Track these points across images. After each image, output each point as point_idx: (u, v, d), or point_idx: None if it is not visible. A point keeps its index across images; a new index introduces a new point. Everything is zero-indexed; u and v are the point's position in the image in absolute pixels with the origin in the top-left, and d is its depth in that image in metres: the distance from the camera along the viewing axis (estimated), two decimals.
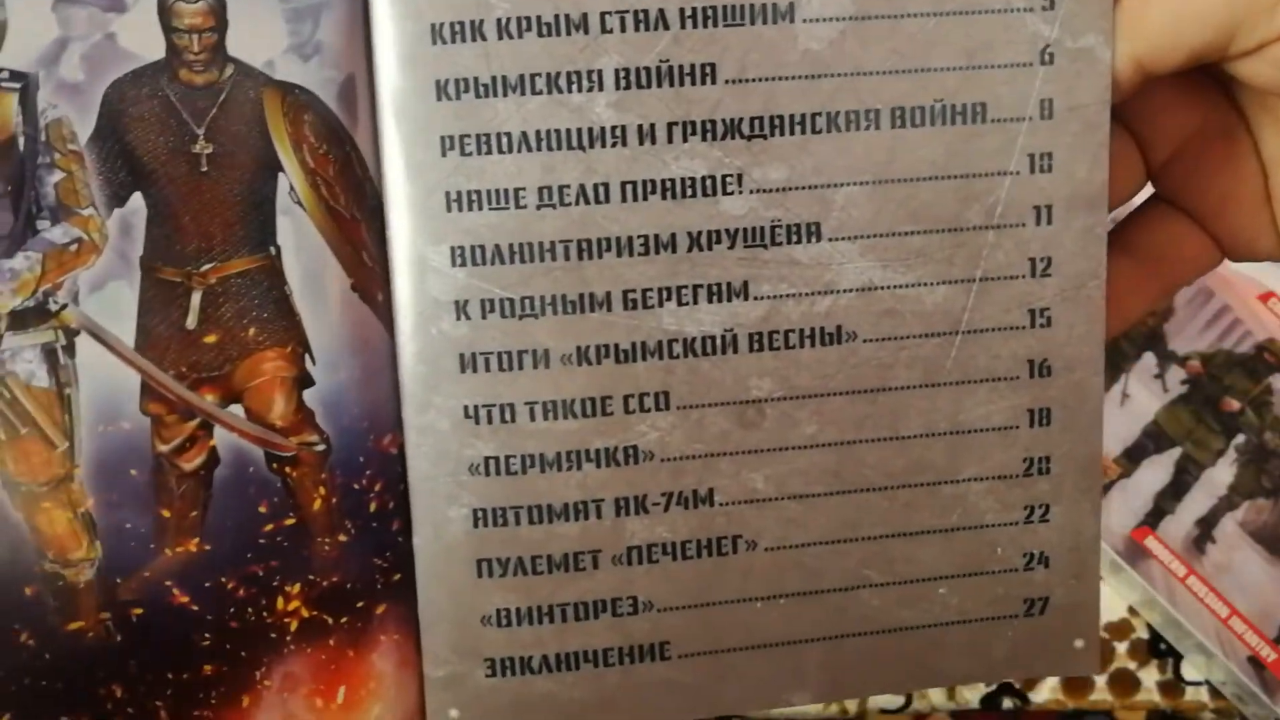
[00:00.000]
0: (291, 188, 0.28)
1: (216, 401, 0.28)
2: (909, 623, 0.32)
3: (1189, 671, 0.57)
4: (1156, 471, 0.55)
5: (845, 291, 0.30)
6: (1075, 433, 0.31)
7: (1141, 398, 0.56)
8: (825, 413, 0.30)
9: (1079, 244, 0.30)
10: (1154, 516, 0.55)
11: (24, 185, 0.26)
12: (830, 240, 0.29)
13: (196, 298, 0.27)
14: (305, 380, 0.29)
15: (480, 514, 0.30)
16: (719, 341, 0.30)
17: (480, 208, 0.28)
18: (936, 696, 0.57)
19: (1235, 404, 0.57)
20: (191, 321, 0.27)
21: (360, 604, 0.29)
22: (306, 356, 0.28)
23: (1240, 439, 0.56)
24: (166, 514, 0.28)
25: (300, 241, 0.28)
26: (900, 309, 0.30)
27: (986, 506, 0.31)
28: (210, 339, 0.28)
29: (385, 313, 0.29)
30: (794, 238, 0.29)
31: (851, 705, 0.57)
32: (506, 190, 0.28)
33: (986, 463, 0.31)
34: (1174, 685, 0.57)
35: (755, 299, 0.29)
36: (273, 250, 0.28)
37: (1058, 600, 0.32)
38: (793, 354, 0.30)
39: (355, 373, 0.29)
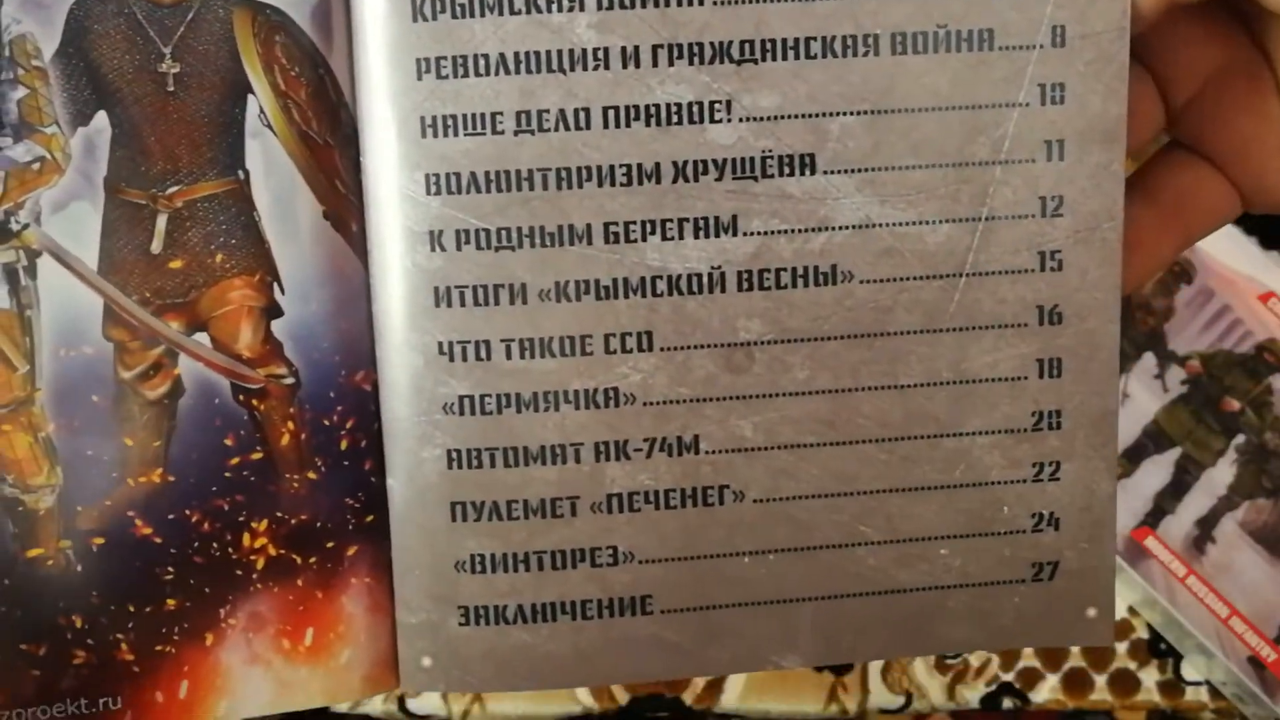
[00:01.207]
0: (261, 110, 0.27)
1: (181, 329, 0.27)
2: (907, 584, 0.30)
3: (1189, 671, 0.58)
4: (1156, 471, 0.55)
5: (841, 228, 0.28)
6: (1088, 385, 0.29)
7: (1141, 398, 0.56)
8: (819, 358, 0.29)
9: (1093, 182, 0.28)
10: (1154, 516, 0.55)
11: None
12: (825, 173, 0.28)
13: (162, 221, 0.27)
14: (274, 310, 0.28)
15: (455, 455, 0.29)
16: (706, 279, 0.28)
17: (456, 133, 0.28)
18: (936, 696, 0.58)
19: (1235, 404, 0.57)
20: (156, 246, 0.27)
21: (330, 544, 0.29)
22: (275, 286, 0.28)
23: (1240, 439, 0.57)
24: (129, 442, 0.27)
25: (270, 166, 0.27)
26: (900, 248, 0.28)
27: (992, 462, 0.30)
28: (175, 264, 0.27)
29: (359, 243, 0.28)
30: (786, 170, 0.28)
31: (851, 705, 0.58)
32: (483, 115, 0.27)
33: (992, 415, 0.29)
34: (1174, 685, 0.58)
35: (745, 234, 0.28)
36: (241, 174, 0.27)
37: (1068, 565, 0.30)
38: (784, 294, 0.28)
39: (327, 304, 0.28)
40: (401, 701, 0.58)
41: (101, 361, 0.27)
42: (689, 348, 0.29)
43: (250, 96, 0.28)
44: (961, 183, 0.29)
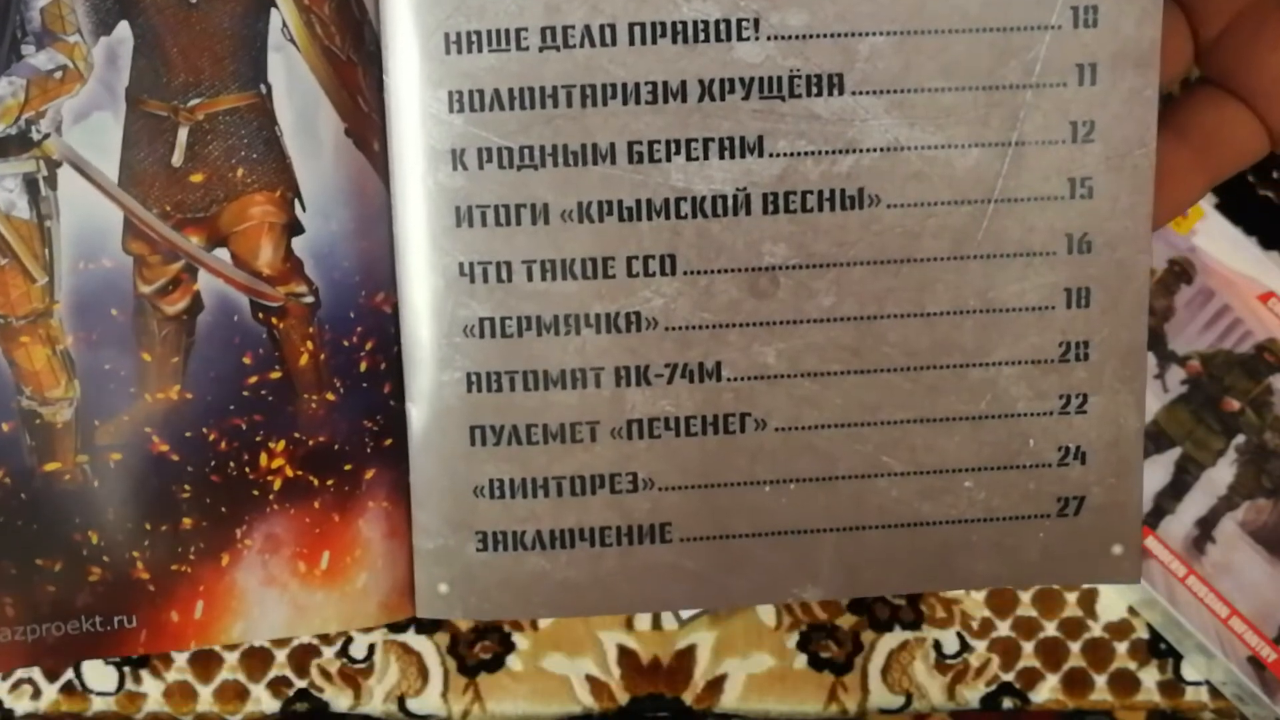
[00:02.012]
0: (285, 24, 0.27)
1: (202, 244, 0.27)
2: (930, 517, 0.30)
3: (1189, 671, 0.58)
4: (1156, 471, 0.55)
5: (869, 151, 0.28)
6: (1117, 316, 0.29)
7: None
8: (844, 284, 0.29)
9: (1125, 107, 0.28)
10: (1154, 516, 0.55)
11: (9, 9, 0.26)
12: (853, 94, 0.28)
13: (183, 133, 0.27)
14: (295, 228, 0.28)
15: (474, 378, 0.29)
16: (730, 201, 0.28)
17: (480, 49, 0.27)
18: (936, 696, 0.58)
19: (1235, 404, 0.57)
20: (177, 158, 0.27)
21: (348, 467, 0.29)
22: (296, 202, 0.28)
23: (1240, 439, 0.57)
24: (147, 358, 0.27)
25: (293, 81, 0.27)
26: (928, 172, 0.28)
27: (1018, 393, 0.29)
28: (196, 178, 0.27)
29: (380, 162, 0.28)
30: (814, 90, 0.28)
31: (851, 705, 0.58)
32: (508, 31, 0.27)
33: (1019, 345, 0.29)
34: (1174, 685, 0.58)
35: (771, 156, 0.28)
36: (263, 89, 0.27)
37: (1095, 500, 0.30)
38: (810, 217, 0.28)
39: (348, 223, 0.28)
40: (401, 701, 0.57)
41: (121, 275, 0.27)
42: (712, 272, 0.29)
43: (273, 10, 0.28)
44: (991, 106, 0.28)
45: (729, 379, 0.29)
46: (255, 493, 0.29)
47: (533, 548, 0.30)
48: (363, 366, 0.29)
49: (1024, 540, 0.31)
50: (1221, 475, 0.56)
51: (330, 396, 0.29)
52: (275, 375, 0.28)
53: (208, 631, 0.29)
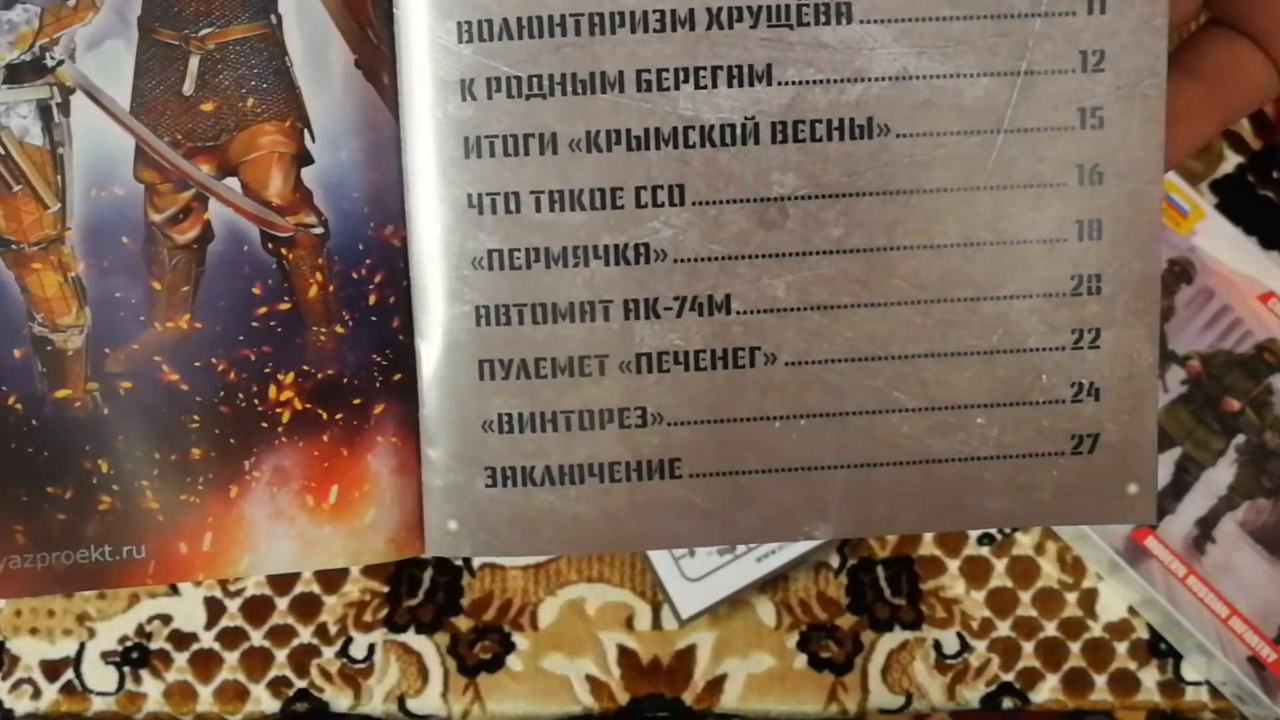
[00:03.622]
0: None
1: (212, 173, 0.28)
2: (942, 454, 0.30)
3: (1189, 671, 0.59)
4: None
5: (877, 80, 0.28)
6: (1129, 249, 0.29)
7: None
8: (854, 214, 0.29)
9: (1135, 36, 0.28)
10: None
11: None
12: (861, 22, 0.28)
13: (194, 62, 0.27)
14: (304, 158, 0.28)
15: (483, 311, 0.29)
16: (739, 130, 0.28)
17: None
18: (936, 696, 0.59)
19: (1235, 404, 0.59)
20: (189, 87, 0.27)
21: (357, 401, 0.29)
22: (306, 133, 0.28)
23: (1240, 439, 0.58)
24: (157, 286, 0.28)
25: (302, 12, 0.28)
26: (937, 101, 0.28)
27: (1030, 328, 0.30)
28: (207, 107, 0.28)
29: (390, 94, 0.28)
30: (822, 18, 0.28)
31: (851, 705, 0.59)
32: None
33: (1030, 278, 0.29)
34: (1174, 685, 0.59)
35: (779, 84, 0.28)
36: (273, 19, 0.28)
37: (1109, 438, 0.30)
38: (819, 147, 0.28)
39: (357, 154, 0.28)
40: (401, 701, 0.58)
41: (132, 203, 0.28)
42: (721, 202, 0.29)
43: None
44: (1000, 35, 0.29)
45: (739, 312, 0.30)
46: (264, 424, 0.29)
47: (541, 483, 0.30)
48: (372, 299, 0.29)
49: (1038, 478, 0.31)
50: (1221, 475, 0.57)
51: (339, 329, 0.29)
52: (284, 306, 0.29)
53: (215, 563, 0.29)
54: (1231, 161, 0.64)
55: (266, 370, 0.29)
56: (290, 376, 0.29)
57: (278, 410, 0.29)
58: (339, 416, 0.30)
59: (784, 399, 0.30)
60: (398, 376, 0.30)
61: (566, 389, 0.30)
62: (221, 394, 0.29)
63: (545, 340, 0.30)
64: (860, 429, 0.30)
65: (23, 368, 0.28)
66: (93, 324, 0.28)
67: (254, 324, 0.29)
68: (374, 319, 0.30)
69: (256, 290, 0.29)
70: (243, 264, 0.29)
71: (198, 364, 0.29)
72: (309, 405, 0.29)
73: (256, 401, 0.29)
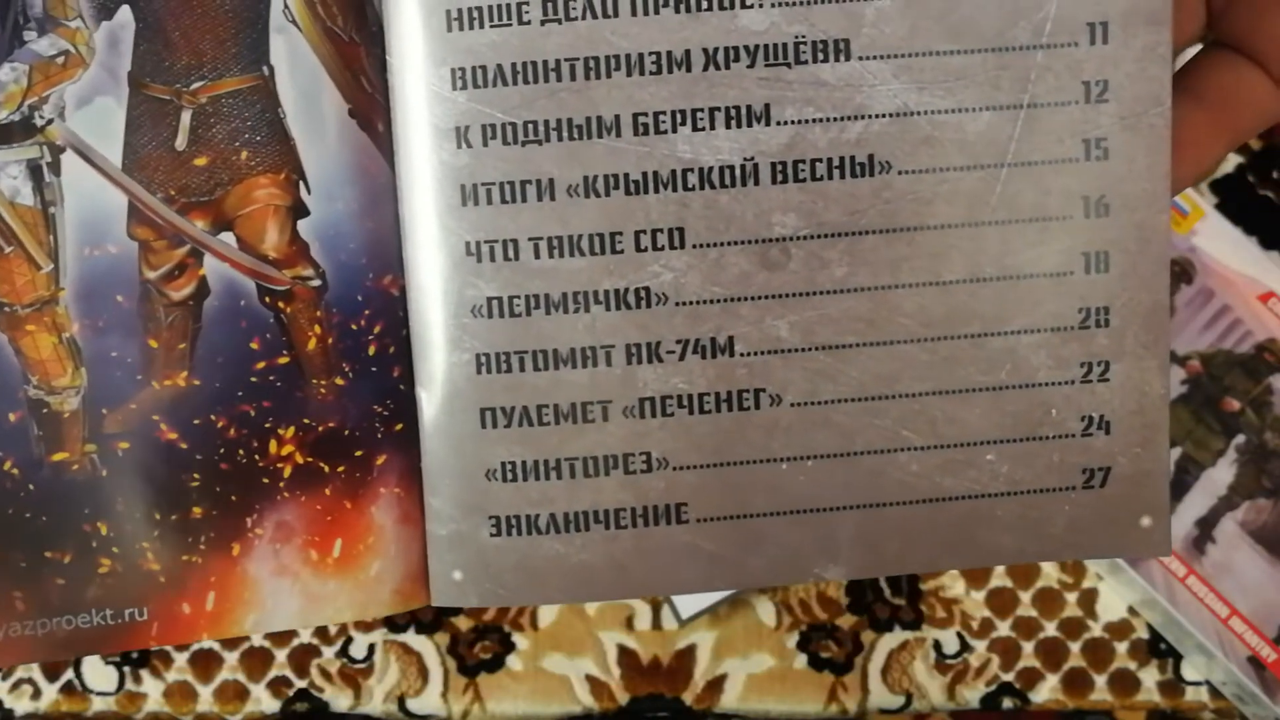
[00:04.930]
0: (286, 5, 0.28)
1: (206, 228, 0.28)
2: (953, 492, 0.30)
3: (1189, 671, 0.60)
4: None
5: (878, 117, 0.28)
6: (1137, 280, 0.29)
7: None
8: (857, 253, 0.29)
9: (1139, 66, 0.28)
10: None
11: None
12: (860, 59, 0.28)
13: (186, 116, 0.27)
14: (300, 210, 0.28)
15: (484, 359, 0.29)
16: (738, 171, 0.28)
17: (482, 25, 0.28)
18: (936, 696, 0.60)
19: (1235, 404, 0.59)
20: (181, 142, 0.27)
21: (359, 453, 0.29)
22: (301, 184, 0.28)
23: (1240, 439, 0.59)
24: (154, 344, 0.28)
25: (295, 62, 0.28)
26: (939, 137, 0.28)
27: (1039, 362, 0.29)
28: (200, 161, 0.27)
29: (385, 143, 0.28)
30: (820, 56, 0.28)
31: (851, 705, 0.60)
32: (509, 5, 0.28)
33: (1038, 312, 0.29)
34: (1174, 685, 0.60)
35: (778, 124, 0.28)
36: (266, 70, 0.28)
37: (1121, 470, 0.30)
38: (820, 186, 0.28)
39: (353, 204, 0.28)
40: (401, 701, 0.58)
41: (126, 261, 0.28)
42: (722, 244, 0.29)
43: None
44: (1001, 69, 0.29)
45: (742, 354, 0.30)
46: (265, 480, 0.29)
47: (547, 531, 0.30)
48: (371, 350, 0.29)
49: (1049, 513, 0.31)
50: (1221, 475, 0.58)
51: (339, 381, 0.29)
52: (283, 360, 0.29)
53: (220, 623, 0.29)
54: (1231, 161, 0.65)
55: (267, 425, 0.29)
56: (291, 431, 0.29)
57: (279, 465, 0.29)
58: (341, 469, 0.30)
59: (790, 440, 0.30)
60: (399, 427, 0.30)
61: (570, 435, 0.30)
62: (221, 451, 0.29)
63: (547, 387, 0.30)
64: (869, 469, 0.30)
65: (19, 432, 0.28)
66: (89, 385, 0.28)
67: (253, 379, 0.29)
68: (374, 369, 0.30)
69: (255, 345, 0.29)
70: (240, 319, 0.29)
71: (197, 421, 0.29)
72: (310, 459, 0.29)
73: (257, 457, 0.29)
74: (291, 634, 0.59)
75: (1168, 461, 0.31)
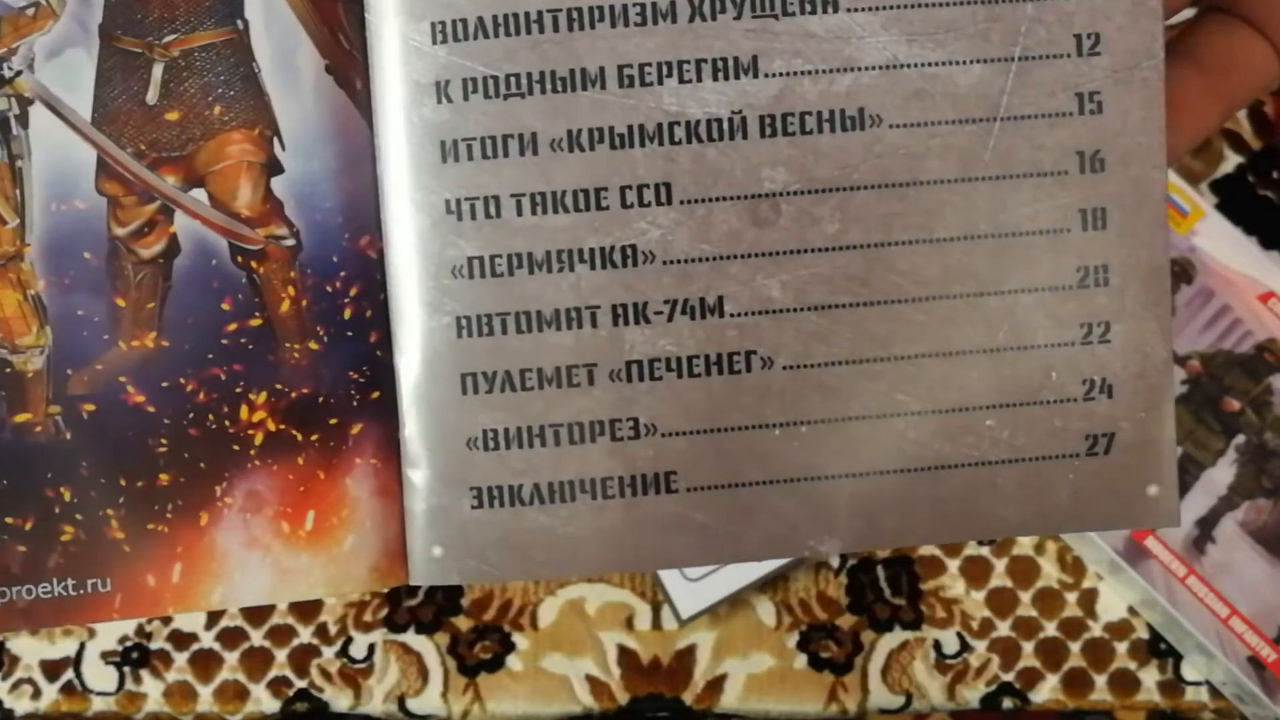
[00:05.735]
0: None
1: (178, 184, 0.27)
2: (951, 460, 0.29)
3: (1189, 671, 0.60)
4: None
5: (867, 69, 0.28)
6: (1135, 237, 0.29)
7: None
8: (849, 209, 0.28)
9: (1130, 18, 0.28)
10: None
11: None
12: (849, 10, 0.28)
13: (158, 70, 0.27)
14: (274, 167, 0.28)
15: (464, 322, 0.28)
16: (726, 125, 0.28)
17: None
18: (936, 696, 0.60)
19: (1235, 404, 0.59)
20: (152, 96, 0.27)
21: (333, 421, 0.28)
22: (276, 141, 0.27)
23: (1240, 439, 0.59)
24: (121, 303, 0.27)
25: (270, 17, 0.27)
26: (930, 90, 0.28)
27: (1037, 323, 0.29)
28: (172, 116, 0.27)
29: (363, 101, 0.28)
30: (808, 7, 0.28)
31: (851, 705, 0.60)
32: None
33: (1035, 271, 0.29)
34: (1174, 685, 0.60)
35: (766, 76, 0.28)
36: (240, 24, 0.27)
37: (1125, 437, 0.29)
38: (810, 140, 0.28)
39: (329, 162, 0.28)
40: (401, 701, 0.58)
41: (94, 217, 0.27)
42: (711, 200, 0.28)
43: None
44: (992, 20, 0.28)
45: (732, 315, 0.29)
46: (236, 448, 0.28)
47: (531, 502, 0.29)
48: (347, 314, 0.29)
49: (1052, 482, 0.30)
50: (1221, 475, 0.58)
51: (314, 346, 0.28)
52: (255, 322, 0.28)
53: (186, 596, 0.28)
54: (1231, 161, 0.65)
55: (238, 390, 0.28)
56: (263, 396, 0.28)
57: (250, 432, 0.28)
58: (315, 438, 0.29)
59: (783, 405, 0.29)
60: (376, 394, 0.29)
61: (554, 401, 0.29)
62: (190, 416, 0.28)
63: (530, 350, 0.29)
64: (864, 435, 0.29)
65: None
66: (54, 344, 0.27)
67: (224, 341, 0.28)
68: (350, 334, 0.29)
69: (226, 306, 0.28)
70: (211, 279, 0.28)
71: (165, 384, 0.28)
72: (283, 426, 0.28)
73: (228, 423, 0.28)
74: (292, 633, 0.59)
75: (1173, 429, 0.30)
